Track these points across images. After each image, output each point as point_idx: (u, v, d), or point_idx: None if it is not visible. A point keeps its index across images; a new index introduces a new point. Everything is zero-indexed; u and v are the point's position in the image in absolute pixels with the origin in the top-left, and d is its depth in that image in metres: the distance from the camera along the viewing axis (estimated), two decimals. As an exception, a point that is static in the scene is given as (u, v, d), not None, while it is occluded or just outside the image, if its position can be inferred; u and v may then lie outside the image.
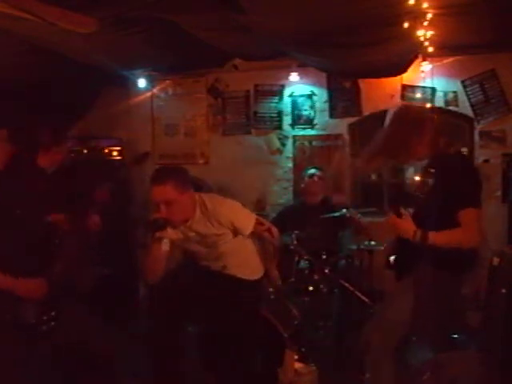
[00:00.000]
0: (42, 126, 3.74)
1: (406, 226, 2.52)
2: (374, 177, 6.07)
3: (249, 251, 3.26)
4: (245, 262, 3.21)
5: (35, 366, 2.55)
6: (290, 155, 5.78)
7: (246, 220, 3.11)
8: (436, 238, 2.47)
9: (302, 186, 4.95)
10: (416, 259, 2.56)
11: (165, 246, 3.10)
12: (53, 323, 2.59)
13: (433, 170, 2.66)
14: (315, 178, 4.78)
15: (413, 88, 5.25)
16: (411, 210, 2.69)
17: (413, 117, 2.79)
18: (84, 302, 3.55)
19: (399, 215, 2.53)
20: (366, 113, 5.51)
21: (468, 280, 2.66)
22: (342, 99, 5.57)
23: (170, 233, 3.09)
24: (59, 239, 2.87)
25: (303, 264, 4.17)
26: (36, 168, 3.73)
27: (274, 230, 3.23)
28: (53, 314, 2.61)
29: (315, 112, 5.66)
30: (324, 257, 4.30)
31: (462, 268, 2.61)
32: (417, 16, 3.42)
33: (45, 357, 2.63)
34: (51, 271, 2.71)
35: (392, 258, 2.79)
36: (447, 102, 5.24)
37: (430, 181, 2.69)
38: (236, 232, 3.10)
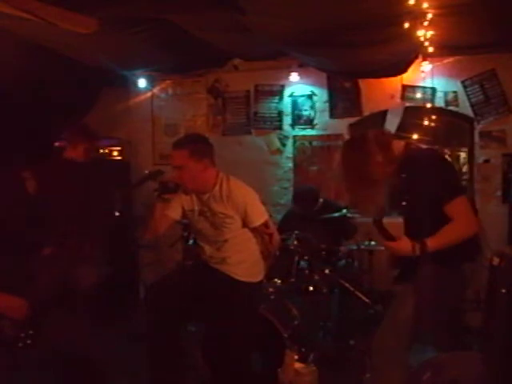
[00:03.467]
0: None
1: (403, 245, 2.49)
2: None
3: (252, 252, 3.25)
4: (246, 261, 3.20)
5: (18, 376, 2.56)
6: (291, 155, 5.78)
7: (259, 213, 3.13)
8: (435, 242, 2.44)
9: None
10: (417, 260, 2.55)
11: (172, 212, 3.18)
12: (29, 341, 2.56)
13: (404, 175, 2.65)
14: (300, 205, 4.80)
15: (413, 88, 5.25)
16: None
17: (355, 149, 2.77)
18: (83, 303, 3.56)
19: (392, 239, 2.52)
20: (366, 113, 5.51)
21: (470, 277, 2.64)
22: (342, 99, 5.57)
23: (185, 201, 3.17)
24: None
25: (303, 264, 4.16)
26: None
27: (276, 237, 3.24)
28: (31, 332, 2.58)
29: (315, 112, 5.66)
30: (324, 257, 4.30)
31: (462, 261, 2.59)
32: (417, 16, 3.42)
33: (29, 367, 2.63)
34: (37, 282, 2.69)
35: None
36: (447, 102, 5.24)
37: (408, 184, 2.67)
38: (245, 221, 3.11)
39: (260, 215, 3.13)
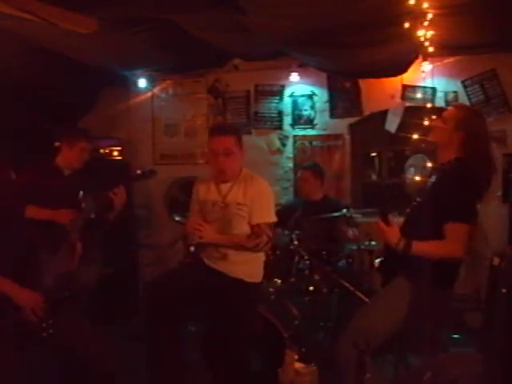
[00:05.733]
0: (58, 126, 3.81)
1: (392, 233, 2.56)
2: (374, 177, 6.09)
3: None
4: (249, 260, 3.19)
5: (34, 372, 2.56)
6: (291, 155, 5.78)
7: (270, 211, 3.13)
8: (419, 248, 2.50)
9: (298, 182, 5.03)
10: (400, 265, 2.59)
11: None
12: (51, 330, 2.58)
13: (433, 178, 2.68)
14: (305, 174, 4.79)
15: (413, 88, 5.24)
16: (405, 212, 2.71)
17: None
18: (84, 302, 3.56)
19: (387, 222, 2.56)
20: (366, 113, 5.51)
21: (468, 280, 2.66)
22: (343, 99, 5.57)
23: (201, 191, 3.23)
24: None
25: (303, 264, 4.16)
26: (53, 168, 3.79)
27: (269, 245, 3.11)
28: (50, 321, 2.59)
29: (315, 112, 5.66)
30: (324, 257, 4.30)
31: (446, 280, 2.63)
32: (417, 16, 3.42)
33: (43, 362, 2.63)
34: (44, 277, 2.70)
35: (377, 260, 2.81)
36: (448, 102, 5.23)
37: (428, 188, 2.70)
38: (252, 213, 3.10)
39: (270, 214, 3.14)
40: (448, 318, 2.84)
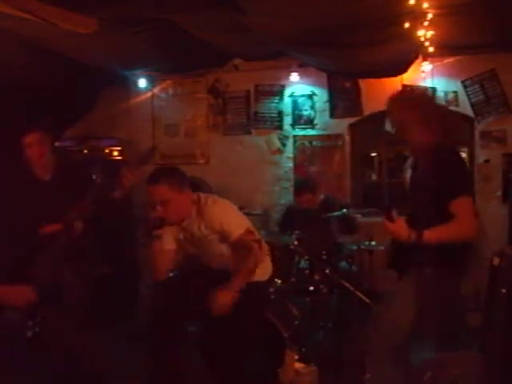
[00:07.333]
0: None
1: (399, 229, 2.50)
2: (374, 177, 6.09)
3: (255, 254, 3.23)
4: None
5: (21, 372, 2.54)
6: (291, 155, 5.79)
7: (236, 225, 3.02)
8: (432, 235, 2.44)
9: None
10: (413, 257, 2.55)
11: (168, 244, 3.11)
12: (37, 329, 2.54)
13: (419, 168, 2.66)
14: (305, 198, 4.64)
15: (413, 88, 5.25)
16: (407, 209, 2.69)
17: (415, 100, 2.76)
18: (83, 303, 3.55)
19: (391, 220, 2.53)
20: (366, 113, 5.52)
21: (468, 279, 2.65)
22: (343, 99, 5.58)
23: (172, 230, 3.11)
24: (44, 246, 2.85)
25: (303, 264, 4.16)
26: (34, 176, 3.58)
27: (265, 244, 3.15)
28: (38, 319, 2.56)
29: (315, 112, 5.67)
30: (324, 257, 4.30)
31: (460, 264, 2.59)
32: (417, 16, 3.42)
33: (32, 362, 2.61)
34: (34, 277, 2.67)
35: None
36: (448, 102, 5.23)
37: (418, 175, 2.68)
38: (223, 236, 3.01)
39: (238, 226, 3.01)
40: (462, 298, 2.81)
